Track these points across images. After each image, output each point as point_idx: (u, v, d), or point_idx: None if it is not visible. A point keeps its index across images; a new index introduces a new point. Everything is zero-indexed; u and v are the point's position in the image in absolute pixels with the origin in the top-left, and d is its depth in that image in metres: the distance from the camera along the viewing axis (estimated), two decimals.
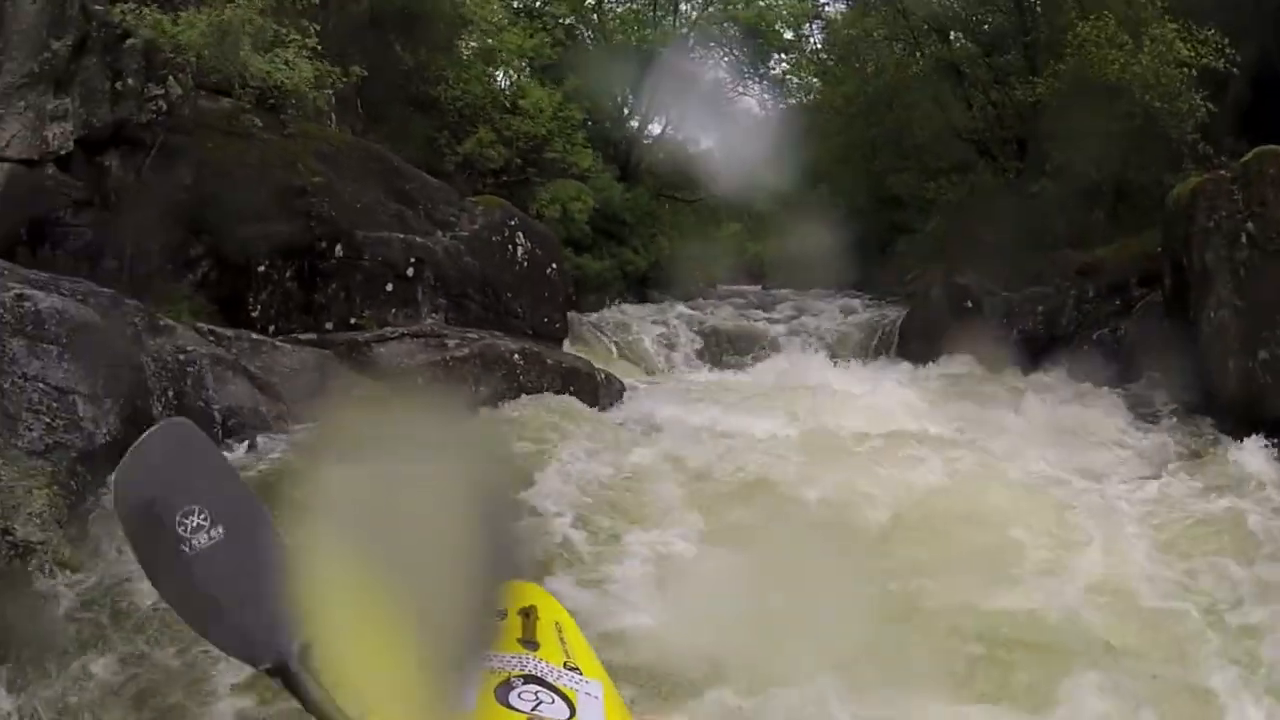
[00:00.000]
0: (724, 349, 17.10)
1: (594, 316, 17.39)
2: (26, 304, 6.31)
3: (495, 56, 18.62)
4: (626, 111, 26.84)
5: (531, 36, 19.72)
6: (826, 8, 29.46)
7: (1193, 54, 14.55)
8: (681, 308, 19.83)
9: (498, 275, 12.18)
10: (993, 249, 16.47)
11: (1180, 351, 10.75)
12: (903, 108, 23.65)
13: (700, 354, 16.71)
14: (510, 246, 12.61)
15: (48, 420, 5.84)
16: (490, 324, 11.34)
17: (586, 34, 26.03)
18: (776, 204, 29.55)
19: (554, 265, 13.41)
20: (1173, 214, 11.30)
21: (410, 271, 10.87)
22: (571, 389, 10.58)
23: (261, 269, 9.71)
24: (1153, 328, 12.12)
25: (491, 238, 12.37)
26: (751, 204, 29.97)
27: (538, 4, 23.99)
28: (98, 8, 9.71)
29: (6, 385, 5.84)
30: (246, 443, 7.24)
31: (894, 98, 23.77)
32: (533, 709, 1.72)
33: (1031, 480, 8.26)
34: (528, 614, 2.20)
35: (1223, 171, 10.78)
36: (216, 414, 7.03)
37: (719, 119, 29.50)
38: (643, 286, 23.45)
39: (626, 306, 20.05)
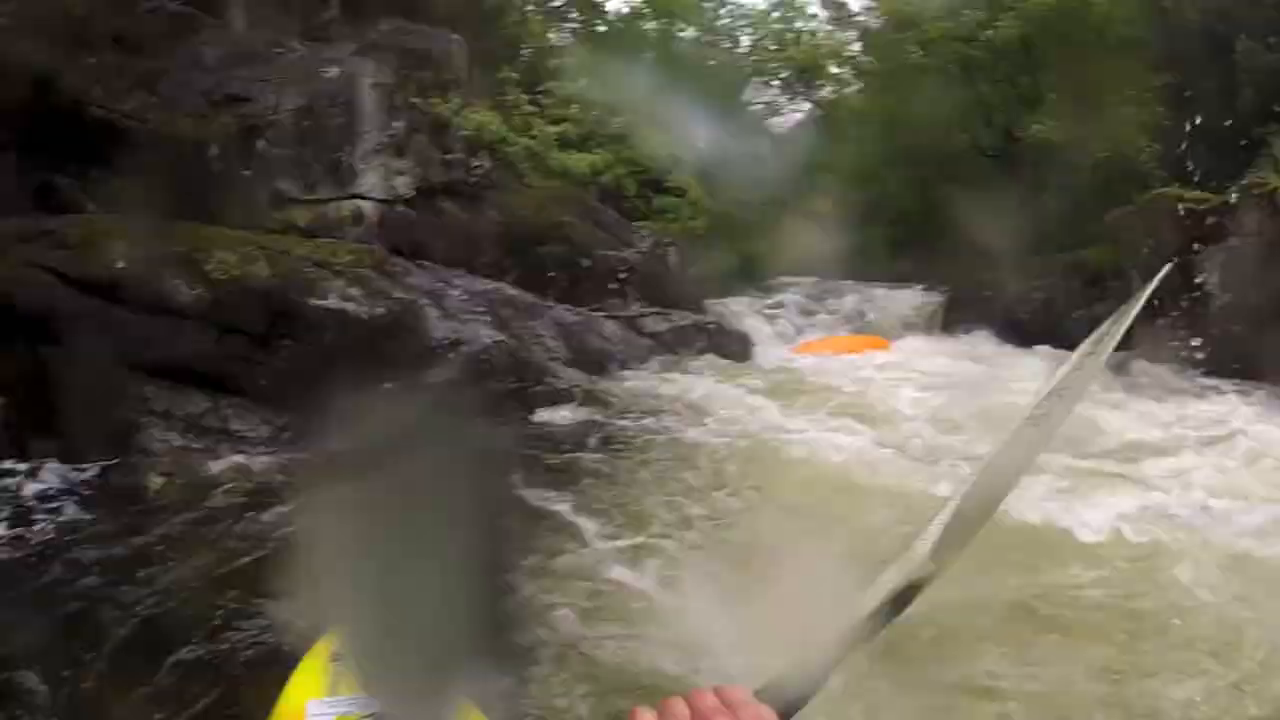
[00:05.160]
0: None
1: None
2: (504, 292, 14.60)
3: None
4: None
5: None
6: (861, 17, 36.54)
7: (1141, 112, 22.39)
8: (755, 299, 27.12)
9: (664, 276, 20.28)
10: (1011, 250, 23.84)
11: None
12: (935, 123, 30.46)
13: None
14: (667, 257, 20.78)
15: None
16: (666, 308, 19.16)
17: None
18: (829, 203, 36.39)
19: (692, 268, 21.64)
20: (1110, 232, 19.51)
21: (622, 275, 18.87)
22: (740, 342, 18.82)
23: (550, 275, 17.79)
24: (1112, 309, 19.73)
25: (655, 251, 20.53)
26: (805, 202, 36.55)
27: None
28: (415, 100, 17.18)
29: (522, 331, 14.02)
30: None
31: (929, 114, 30.36)
32: None
33: None
34: None
35: (1130, 207, 19.03)
36: (591, 352, 15.22)
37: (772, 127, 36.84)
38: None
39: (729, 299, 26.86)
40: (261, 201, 14.92)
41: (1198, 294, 17.47)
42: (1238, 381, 15.81)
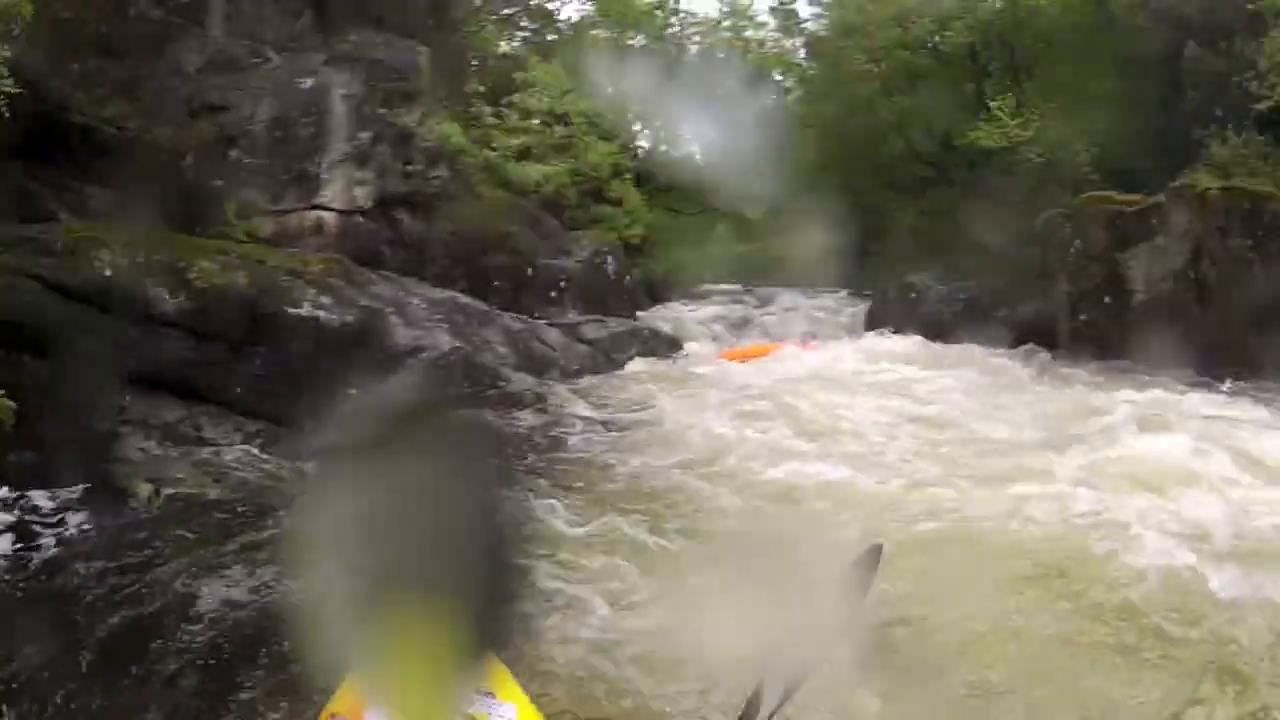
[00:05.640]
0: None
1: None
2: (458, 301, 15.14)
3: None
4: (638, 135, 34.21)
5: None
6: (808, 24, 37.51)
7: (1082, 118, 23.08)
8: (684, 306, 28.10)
9: (601, 283, 20.75)
10: (939, 252, 24.69)
11: (1048, 317, 19.47)
12: (874, 130, 31.58)
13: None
14: (605, 265, 21.30)
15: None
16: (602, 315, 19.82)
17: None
18: (762, 209, 36.92)
19: (628, 276, 22.25)
20: (1040, 233, 20.29)
21: (562, 284, 19.48)
22: (673, 348, 19.63)
23: (495, 284, 18.27)
24: (1033, 307, 20.09)
25: (594, 260, 21.01)
26: (739, 209, 36.84)
27: None
28: (381, 110, 17.35)
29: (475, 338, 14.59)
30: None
31: (867, 121, 31.74)
32: None
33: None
34: None
35: (1060, 209, 19.86)
36: (536, 358, 15.86)
37: (714, 135, 37.29)
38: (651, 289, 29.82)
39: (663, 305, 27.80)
40: (229, 211, 15.22)
41: (1122, 292, 18.38)
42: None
